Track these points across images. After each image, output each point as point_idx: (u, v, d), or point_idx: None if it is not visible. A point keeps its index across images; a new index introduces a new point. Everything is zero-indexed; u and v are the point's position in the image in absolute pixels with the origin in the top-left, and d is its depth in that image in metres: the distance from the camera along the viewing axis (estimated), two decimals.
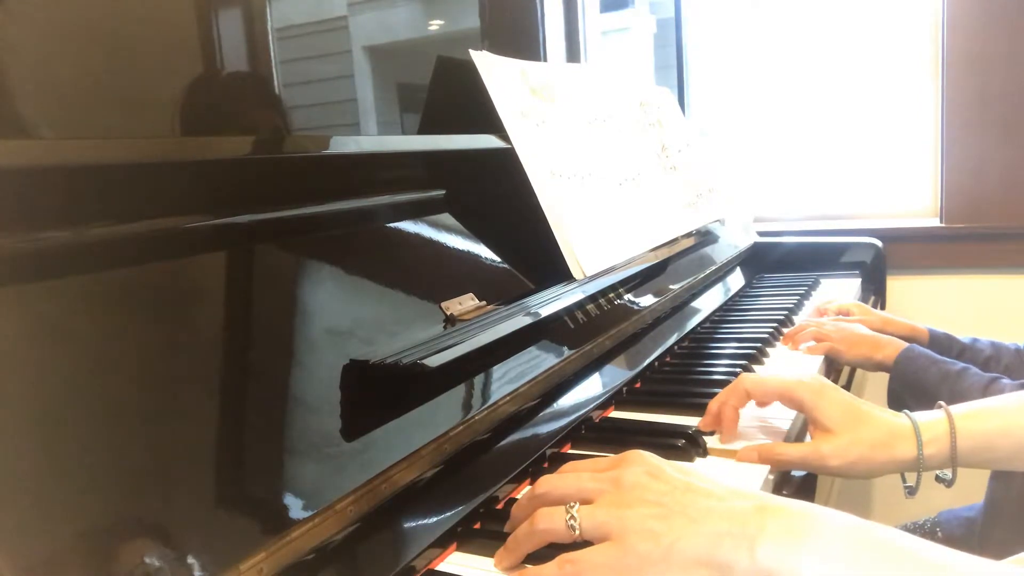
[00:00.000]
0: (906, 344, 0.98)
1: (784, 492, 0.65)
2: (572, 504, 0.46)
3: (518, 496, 0.61)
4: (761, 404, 0.71)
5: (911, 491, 0.68)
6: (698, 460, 0.66)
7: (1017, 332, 1.03)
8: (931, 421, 0.65)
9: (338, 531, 0.46)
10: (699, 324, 1.10)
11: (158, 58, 0.61)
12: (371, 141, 0.79)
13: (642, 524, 0.43)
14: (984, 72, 1.52)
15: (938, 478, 0.67)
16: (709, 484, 0.46)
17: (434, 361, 0.55)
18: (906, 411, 0.66)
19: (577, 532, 0.45)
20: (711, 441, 0.69)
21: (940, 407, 0.66)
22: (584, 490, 0.47)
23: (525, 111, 0.89)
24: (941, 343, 1.07)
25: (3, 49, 0.50)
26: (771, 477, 0.64)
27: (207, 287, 0.52)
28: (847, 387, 1.02)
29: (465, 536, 0.54)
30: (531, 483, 0.63)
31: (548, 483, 0.50)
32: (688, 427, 0.70)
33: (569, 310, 0.80)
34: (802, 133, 1.80)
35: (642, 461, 0.48)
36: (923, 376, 0.93)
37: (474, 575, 0.50)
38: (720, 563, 0.41)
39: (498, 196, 0.86)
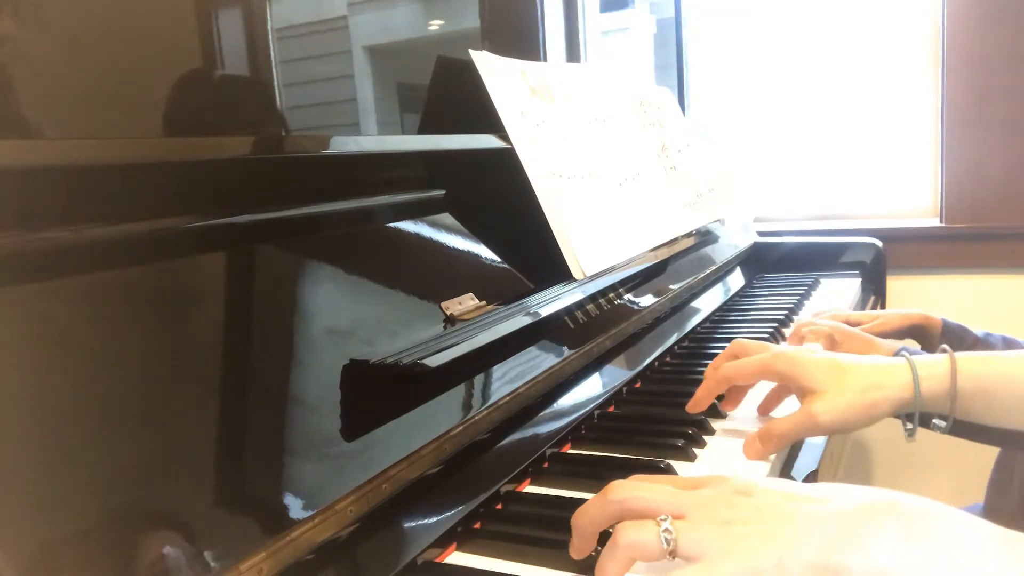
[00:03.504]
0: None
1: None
2: (663, 517, 0.41)
3: (521, 492, 0.61)
4: (746, 384, 0.73)
5: (911, 433, 0.66)
6: (699, 450, 0.66)
7: (1017, 332, 1.03)
8: (931, 360, 0.64)
9: (338, 531, 0.46)
10: (699, 324, 1.10)
11: (158, 58, 0.61)
12: (371, 141, 0.79)
13: (747, 539, 0.40)
14: (984, 72, 1.52)
15: (933, 425, 0.66)
16: (810, 490, 0.43)
17: (434, 361, 0.54)
18: (904, 350, 0.66)
19: (670, 547, 0.40)
20: (712, 439, 0.69)
21: (944, 350, 0.65)
22: (673, 504, 0.42)
23: (525, 111, 0.89)
24: (954, 333, 1.06)
25: (3, 49, 0.50)
26: (767, 470, 0.63)
27: (207, 287, 0.52)
28: None
29: (465, 536, 0.54)
30: (531, 482, 0.63)
31: (624, 490, 0.44)
32: (688, 427, 0.70)
33: (569, 310, 0.80)
34: (802, 133, 1.80)
35: (729, 481, 0.44)
36: None
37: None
38: (835, 568, 0.38)
39: (498, 196, 0.86)
